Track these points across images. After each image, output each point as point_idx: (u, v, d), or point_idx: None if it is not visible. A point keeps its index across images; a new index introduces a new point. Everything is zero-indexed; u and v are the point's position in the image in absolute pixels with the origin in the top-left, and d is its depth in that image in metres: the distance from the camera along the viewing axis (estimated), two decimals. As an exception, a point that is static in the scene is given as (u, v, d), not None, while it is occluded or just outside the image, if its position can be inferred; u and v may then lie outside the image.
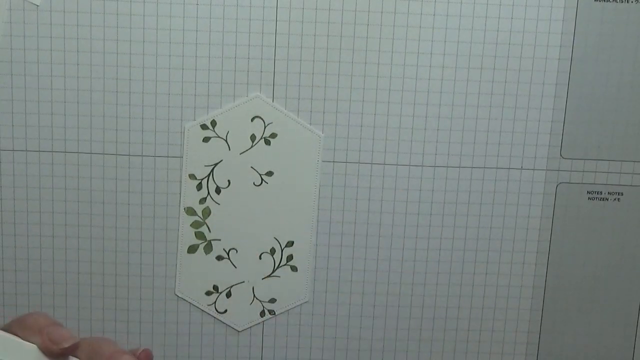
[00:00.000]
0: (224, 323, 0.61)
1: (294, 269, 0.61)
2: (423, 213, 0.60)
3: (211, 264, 0.60)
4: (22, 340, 0.32)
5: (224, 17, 0.57)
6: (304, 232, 0.60)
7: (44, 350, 0.32)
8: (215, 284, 0.60)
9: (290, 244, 0.60)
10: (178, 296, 0.61)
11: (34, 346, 0.32)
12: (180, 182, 0.59)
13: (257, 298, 0.61)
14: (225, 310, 0.61)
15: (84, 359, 0.33)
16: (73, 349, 0.33)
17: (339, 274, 0.61)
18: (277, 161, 0.59)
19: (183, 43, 0.57)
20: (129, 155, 0.58)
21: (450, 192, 0.60)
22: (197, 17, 0.56)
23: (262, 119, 0.58)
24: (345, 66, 0.58)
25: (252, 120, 0.58)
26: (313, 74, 0.58)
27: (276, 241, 0.60)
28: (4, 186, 0.59)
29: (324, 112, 0.58)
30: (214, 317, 0.61)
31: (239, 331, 0.61)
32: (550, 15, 0.57)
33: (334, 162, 0.59)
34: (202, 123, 0.58)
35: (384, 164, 0.59)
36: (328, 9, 0.57)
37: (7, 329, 0.33)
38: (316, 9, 0.57)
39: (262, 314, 0.61)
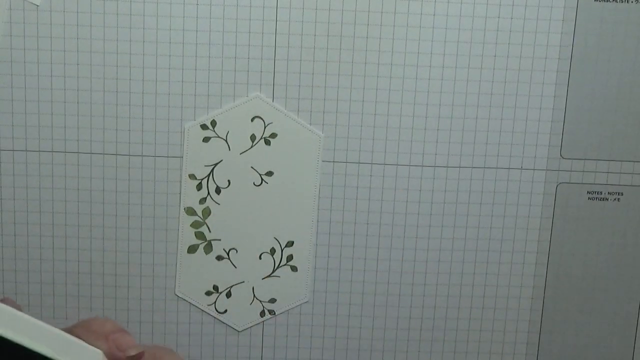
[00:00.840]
0: (224, 323, 0.61)
1: (294, 269, 0.61)
2: (423, 213, 0.60)
3: (211, 264, 0.60)
4: (88, 345, 0.31)
5: (224, 17, 0.57)
6: (304, 232, 0.60)
7: (109, 357, 0.32)
8: (215, 284, 0.60)
9: (290, 244, 0.60)
10: (178, 296, 0.61)
11: (100, 351, 0.31)
12: (180, 182, 0.59)
13: (257, 298, 0.61)
14: (225, 310, 0.61)
15: None
16: (139, 358, 0.32)
17: (339, 274, 0.61)
18: (277, 161, 0.59)
19: (183, 43, 0.57)
20: (129, 155, 0.58)
21: (450, 192, 0.60)
22: (197, 17, 0.56)
23: (262, 119, 0.58)
24: (345, 66, 0.58)
25: (252, 120, 0.58)
26: (313, 74, 0.58)
27: (276, 241, 0.60)
28: (4, 186, 0.59)
29: (324, 112, 0.58)
30: (214, 317, 0.61)
31: (239, 331, 0.61)
32: (550, 15, 0.57)
33: (334, 162, 0.59)
34: (202, 123, 0.58)
35: (384, 164, 0.59)
36: (328, 9, 0.57)
37: (71, 331, 0.32)
38: (316, 9, 0.57)
39: (262, 314, 0.61)
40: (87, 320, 0.33)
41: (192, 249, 0.60)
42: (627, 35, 0.58)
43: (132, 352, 0.32)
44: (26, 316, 0.30)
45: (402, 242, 0.60)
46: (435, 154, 0.59)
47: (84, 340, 0.32)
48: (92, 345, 0.32)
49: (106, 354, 0.31)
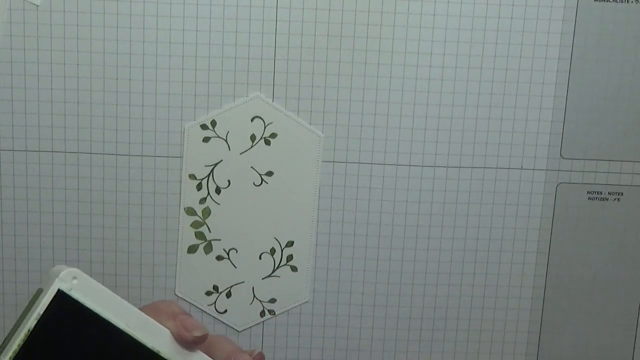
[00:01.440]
0: (224, 323, 0.61)
1: (294, 269, 0.61)
2: (423, 213, 0.60)
3: (211, 264, 0.60)
4: (158, 323, 0.33)
5: (224, 17, 0.57)
6: (304, 232, 0.60)
7: (176, 336, 0.33)
8: (215, 284, 0.60)
9: (290, 244, 0.60)
10: (178, 296, 0.61)
11: (167, 330, 0.34)
12: (180, 182, 0.59)
13: (257, 298, 0.61)
14: (225, 310, 0.61)
15: (204, 352, 0.35)
16: (203, 339, 0.34)
17: (339, 274, 0.61)
18: (277, 161, 0.59)
19: (183, 43, 0.57)
20: (129, 155, 0.58)
21: (450, 192, 0.60)
22: (197, 17, 0.56)
23: (262, 119, 0.58)
24: (345, 66, 0.58)
25: (252, 120, 0.58)
26: (313, 74, 0.58)
27: (276, 241, 0.60)
28: (4, 186, 0.59)
29: (324, 112, 0.58)
30: (214, 317, 0.61)
31: (239, 331, 0.61)
32: (550, 15, 0.57)
33: (334, 162, 0.59)
34: (202, 123, 0.58)
35: (384, 164, 0.59)
36: (328, 9, 0.57)
37: (142, 311, 0.34)
38: (316, 9, 0.57)
39: (262, 314, 0.61)
40: (155, 302, 0.35)
41: (192, 249, 0.60)
42: (627, 35, 0.58)
43: (197, 333, 0.34)
44: (109, 291, 0.32)
45: (402, 242, 0.60)
46: (435, 154, 0.59)
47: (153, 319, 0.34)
48: (161, 324, 0.34)
49: (173, 333, 0.33)
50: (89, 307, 0.32)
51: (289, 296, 0.61)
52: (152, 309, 0.34)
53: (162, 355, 0.33)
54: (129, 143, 0.58)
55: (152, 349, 0.33)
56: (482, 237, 0.60)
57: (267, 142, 0.59)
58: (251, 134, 0.58)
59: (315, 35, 0.57)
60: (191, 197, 0.59)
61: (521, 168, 0.60)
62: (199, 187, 0.59)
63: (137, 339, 0.33)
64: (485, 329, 0.62)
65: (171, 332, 0.34)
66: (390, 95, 0.58)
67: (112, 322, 0.32)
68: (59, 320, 0.31)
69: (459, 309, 0.62)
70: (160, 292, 0.60)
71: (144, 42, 0.57)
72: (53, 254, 0.60)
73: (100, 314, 0.32)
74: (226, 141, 0.58)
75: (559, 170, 0.60)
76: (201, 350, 0.35)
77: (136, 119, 0.58)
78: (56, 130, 0.58)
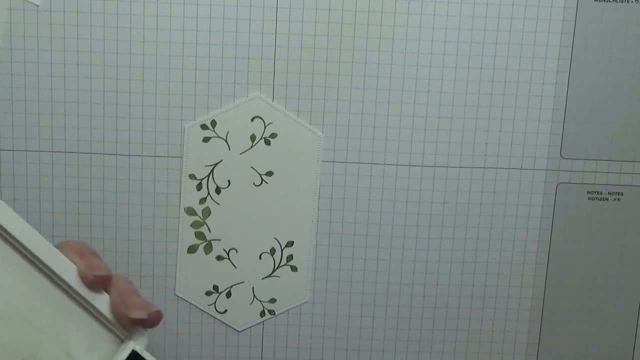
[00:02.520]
0: (224, 323, 0.61)
1: (294, 269, 0.61)
2: (423, 213, 0.60)
3: (211, 264, 0.60)
4: (67, 259, 0.35)
5: (224, 17, 0.57)
6: (304, 232, 0.60)
7: (81, 274, 0.34)
8: (215, 284, 0.60)
9: (290, 244, 0.60)
10: (178, 296, 0.61)
11: (74, 267, 0.35)
12: (180, 182, 0.59)
13: (257, 298, 0.61)
14: (225, 310, 0.61)
15: (113, 297, 0.36)
16: (105, 280, 0.35)
17: (339, 274, 0.61)
18: (277, 161, 0.59)
19: (183, 43, 0.57)
20: (129, 155, 0.58)
21: (450, 192, 0.60)
22: (197, 17, 0.56)
23: (262, 119, 0.58)
24: (345, 66, 0.58)
25: (252, 120, 0.58)
26: (313, 74, 0.58)
27: (276, 241, 0.60)
28: (4, 186, 0.59)
29: (324, 112, 0.58)
30: (214, 317, 0.61)
31: (239, 331, 0.61)
32: (550, 15, 0.57)
33: (334, 162, 0.59)
34: (202, 123, 0.58)
35: (384, 164, 0.59)
36: (328, 9, 0.57)
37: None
38: (316, 9, 0.57)
39: (262, 314, 0.61)
40: (67, 240, 0.36)
41: (192, 249, 0.60)
42: (627, 35, 0.58)
43: (98, 273, 0.35)
44: (27, 225, 0.35)
45: (402, 242, 0.60)
46: (435, 154, 0.59)
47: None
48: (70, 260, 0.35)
49: (79, 270, 0.35)
50: (7, 229, 0.35)
51: (289, 296, 0.61)
52: (63, 246, 0.35)
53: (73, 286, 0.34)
54: (129, 143, 0.58)
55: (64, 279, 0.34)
56: (482, 237, 0.60)
57: (267, 142, 0.59)
58: (251, 134, 0.58)
59: (315, 35, 0.57)
60: (191, 197, 0.59)
61: (521, 168, 0.60)
62: (199, 187, 0.59)
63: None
64: (485, 329, 0.62)
65: (78, 269, 0.35)
66: (390, 95, 0.58)
67: (32, 251, 0.34)
68: None
69: (459, 309, 0.62)
70: (160, 292, 0.60)
71: (144, 42, 0.57)
72: (53, 254, 0.60)
73: (27, 246, 0.34)
74: (226, 141, 0.58)
75: (559, 170, 0.60)
76: (113, 294, 0.35)
77: (136, 119, 0.58)
78: (56, 130, 0.58)
